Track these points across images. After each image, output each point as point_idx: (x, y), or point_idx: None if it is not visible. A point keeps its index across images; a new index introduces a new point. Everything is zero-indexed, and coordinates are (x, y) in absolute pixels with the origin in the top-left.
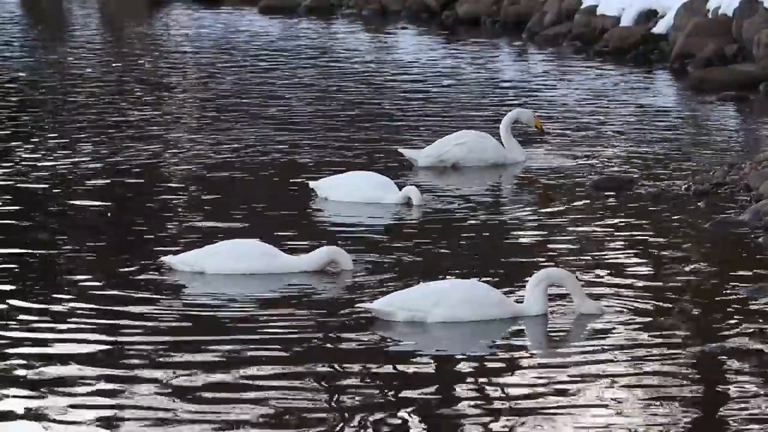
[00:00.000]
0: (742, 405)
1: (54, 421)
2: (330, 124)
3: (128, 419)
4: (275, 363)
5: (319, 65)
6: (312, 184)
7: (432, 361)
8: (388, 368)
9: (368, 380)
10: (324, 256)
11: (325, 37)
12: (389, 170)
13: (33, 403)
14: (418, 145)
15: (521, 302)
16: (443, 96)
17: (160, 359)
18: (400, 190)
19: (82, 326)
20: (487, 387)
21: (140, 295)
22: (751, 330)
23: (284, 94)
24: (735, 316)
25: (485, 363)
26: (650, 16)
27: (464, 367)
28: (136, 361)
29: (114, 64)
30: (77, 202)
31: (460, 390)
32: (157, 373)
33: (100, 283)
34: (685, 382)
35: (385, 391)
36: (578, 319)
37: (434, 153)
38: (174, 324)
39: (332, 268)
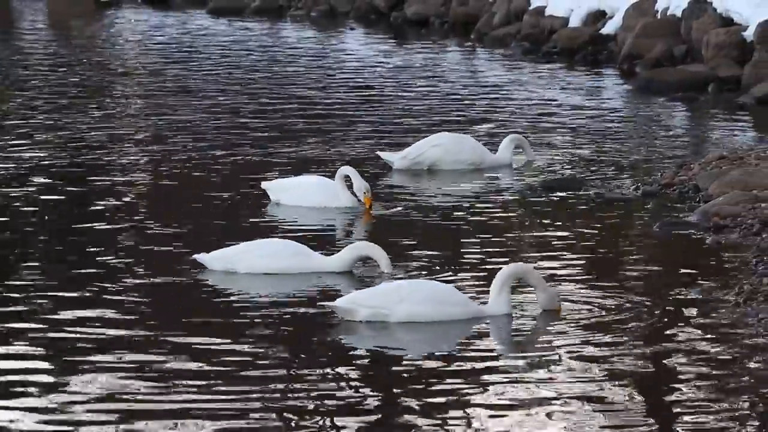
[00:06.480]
0: (690, 404)
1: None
2: (279, 126)
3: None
4: (231, 361)
5: (269, 66)
6: (264, 185)
7: (394, 361)
8: (348, 368)
9: (328, 380)
10: (352, 254)
11: (274, 38)
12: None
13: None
14: (356, 147)
15: (484, 303)
16: (394, 98)
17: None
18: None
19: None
20: (452, 387)
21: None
22: (697, 330)
23: (234, 95)
24: (682, 317)
25: (451, 363)
26: (599, 17)
27: (429, 366)
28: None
29: (61, 67)
30: (32, 204)
31: (423, 391)
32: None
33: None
34: (632, 381)
35: (347, 391)
36: (537, 319)
37: (410, 155)
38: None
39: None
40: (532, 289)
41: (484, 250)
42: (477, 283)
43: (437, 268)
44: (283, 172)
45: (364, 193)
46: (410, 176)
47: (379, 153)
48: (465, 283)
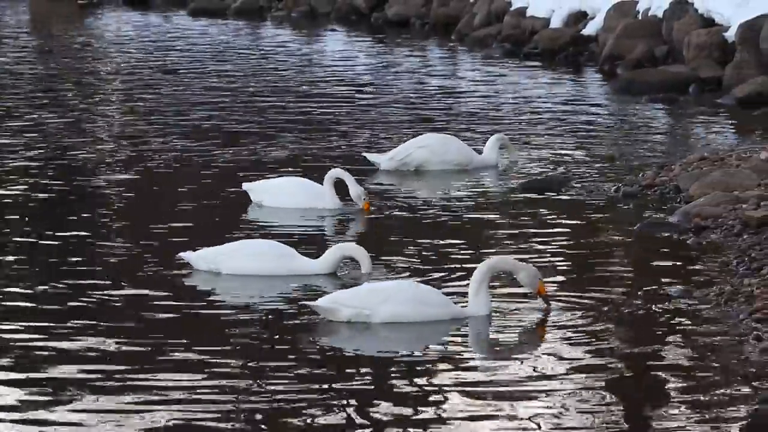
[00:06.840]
0: (670, 403)
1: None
2: (264, 127)
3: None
4: (213, 361)
5: (251, 67)
6: (245, 186)
7: (376, 361)
8: (330, 368)
9: (310, 380)
10: (336, 255)
11: (255, 39)
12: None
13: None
14: (339, 148)
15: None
16: (380, 99)
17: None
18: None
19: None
20: (434, 386)
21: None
22: (679, 331)
23: (217, 96)
24: (663, 318)
25: (432, 363)
26: (580, 17)
27: (410, 367)
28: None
29: (43, 67)
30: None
31: (402, 392)
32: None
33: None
34: (613, 382)
35: (328, 391)
36: (516, 319)
37: (397, 156)
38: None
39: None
40: (514, 276)
41: (469, 251)
42: (461, 283)
43: (422, 268)
44: (268, 173)
45: (363, 198)
46: (397, 177)
47: (365, 154)
48: (449, 284)
